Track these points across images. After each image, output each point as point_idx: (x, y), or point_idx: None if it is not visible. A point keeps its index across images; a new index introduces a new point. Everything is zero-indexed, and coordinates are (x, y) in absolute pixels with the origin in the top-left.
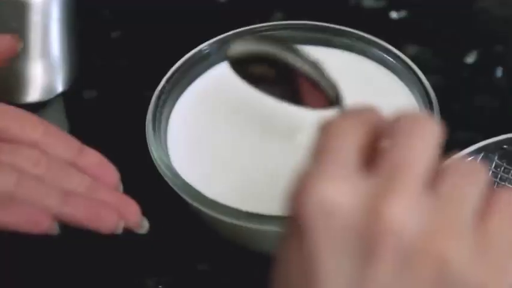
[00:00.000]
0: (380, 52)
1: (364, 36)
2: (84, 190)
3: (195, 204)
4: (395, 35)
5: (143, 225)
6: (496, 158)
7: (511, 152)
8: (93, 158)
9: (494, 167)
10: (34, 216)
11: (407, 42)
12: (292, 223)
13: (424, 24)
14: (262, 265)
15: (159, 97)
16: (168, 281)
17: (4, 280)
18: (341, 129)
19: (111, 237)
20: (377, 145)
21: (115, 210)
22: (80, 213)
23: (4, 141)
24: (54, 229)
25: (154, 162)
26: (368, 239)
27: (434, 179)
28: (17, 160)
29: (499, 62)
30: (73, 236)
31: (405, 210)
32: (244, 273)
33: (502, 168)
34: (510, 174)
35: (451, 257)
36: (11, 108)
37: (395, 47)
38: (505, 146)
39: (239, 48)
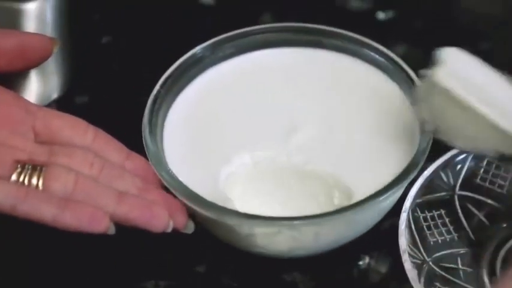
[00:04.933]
0: (371, 52)
1: (354, 37)
2: (136, 191)
3: (192, 205)
4: (383, 35)
5: (189, 226)
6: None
7: None
8: (139, 162)
9: (486, 164)
10: (93, 215)
11: (395, 42)
12: None
13: (410, 23)
14: (259, 266)
15: (154, 101)
16: (167, 284)
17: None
18: None
19: (109, 241)
20: None
21: (166, 210)
22: (134, 213)
23: (57, 144)
24: (111, 229)
25: (152, 165)
26: None
27: None
28: (72, 162)
29: (486, 59)
30: (71, 240)
31: None
32: (242, 274)
33: (494, 165)
34: (502, 171)
35: None
36: (60, 112)
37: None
38: None
39: None
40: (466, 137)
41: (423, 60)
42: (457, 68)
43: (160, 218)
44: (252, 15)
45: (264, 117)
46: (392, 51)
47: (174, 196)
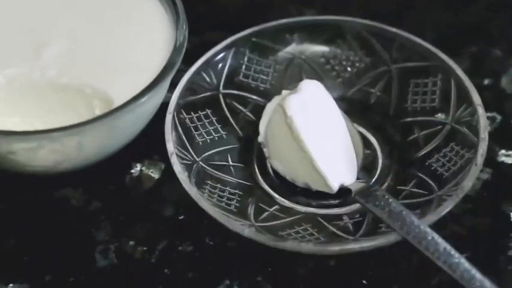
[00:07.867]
0: None
1: None
2: None
3: None
4: None
5: None
6: (247, 51)
7: (260, 44)
8: None
9: (247, 61)
10: None
11: None
12: None
13: None
14: (28, 184)
15: None
16: None
17: None
18: None
19: None
20: None
21: None
22: None
23: None
24: None
25: None
26: None
27: None
28: None
29: None
30: None
31: None
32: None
33: (255, 61)
34: (263, 66)
35: None
36: None
37: None
38: (253, 39)
39: None
40: (285, 161)
41: None
42: (307, 101)
43: None
44: None
45: (12, 34)
46: None
47: None
